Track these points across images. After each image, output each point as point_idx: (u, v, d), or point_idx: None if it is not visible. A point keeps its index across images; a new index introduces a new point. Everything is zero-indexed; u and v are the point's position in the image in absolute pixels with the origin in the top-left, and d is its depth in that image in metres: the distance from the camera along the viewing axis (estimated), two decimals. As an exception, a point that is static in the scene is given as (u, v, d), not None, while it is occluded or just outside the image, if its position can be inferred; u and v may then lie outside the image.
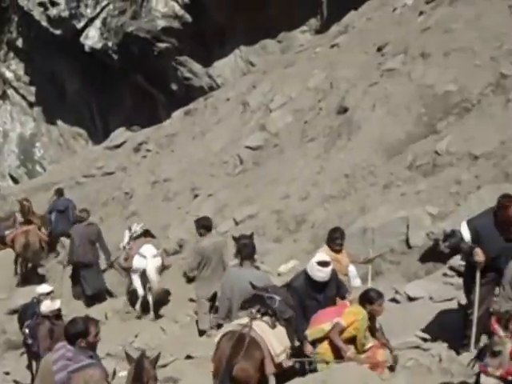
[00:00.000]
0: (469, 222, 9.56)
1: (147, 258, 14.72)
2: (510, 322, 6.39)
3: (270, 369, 9.28)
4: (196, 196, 20.66)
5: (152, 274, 14.68)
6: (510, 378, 6.49)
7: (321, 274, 9.89)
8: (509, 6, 17.58)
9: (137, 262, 14.84)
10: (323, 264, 9.96)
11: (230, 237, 13.70)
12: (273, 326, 9.47)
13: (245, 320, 9.43)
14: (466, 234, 9.44)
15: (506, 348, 6.43)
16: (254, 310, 9.54)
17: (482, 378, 6.60)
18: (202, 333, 13.41)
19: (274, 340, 9.40)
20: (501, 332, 6.42)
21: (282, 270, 14.79)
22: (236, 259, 12.26)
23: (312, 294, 9.90)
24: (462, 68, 16.90)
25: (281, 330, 9.59)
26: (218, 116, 23.95)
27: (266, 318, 9.52)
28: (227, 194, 19.55)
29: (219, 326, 11.31)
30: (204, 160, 22.00)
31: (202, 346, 12.45)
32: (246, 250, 11.51)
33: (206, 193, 20.26)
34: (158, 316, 14.92)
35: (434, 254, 12.74)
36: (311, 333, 9.49)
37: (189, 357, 12.51)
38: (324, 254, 11.05)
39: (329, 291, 10.07)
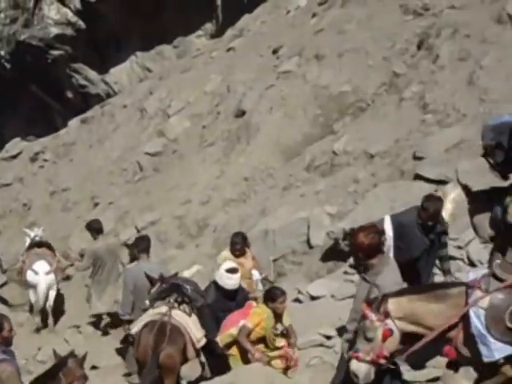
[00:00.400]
0: (393, 218, 9.60)
1: (39, 275, 14.55)
2: (381, 304, 6.48)
3: (191, 354, 9.39)
4: (96, 205, 20.41)
5: (43, 291, 14.52)
6: (381, 361, 6.56)
7: (231, 282, 9.91)
8: (400, 5, 17.91)
9: (29, 278, 14.73)
10: (232, 271, 9.99)
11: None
12: (189, 314, 9.50)
13: (163, 309, 9.42)
14: (389, 230, 9.47)
15: (378, 332, 6.50)
16: (171, 299, 9.53)
17: (353, 364, 6.63)
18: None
19: (193, 326, 9.47)
20: (373, 317, 6.49)
21: (186, 275, 14.72)
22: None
23: (224, 306, 9.89)
24: (356, 68, 17.17)
25: (195, 318, 9.63)
26: (115, 123, 23.70)
27: (183, 307, 9.52)
28: (128, 202, 19.38)
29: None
30: (103, 168, 21.76)
31: (107, 356, 12.34)
32: (141, 243, 11.52)
33: (106, 201, 20.03)
34: (59, 327, 14.73)
35: (334, 253, 12.89)
36: (221, 339, 9.51)
37: (94, 367, 12.36)
38: (226, 258, 11.11)
39: (239, 298, 10.09)
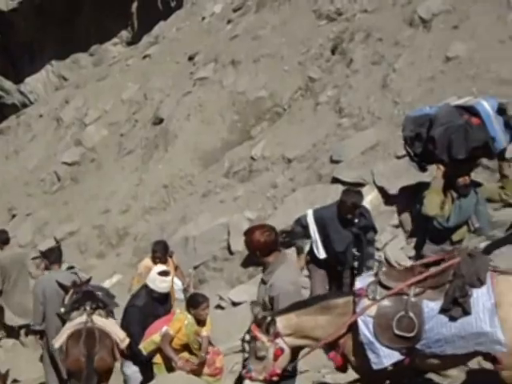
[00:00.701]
0: (315, 213, 9.63)
1: None
2: (270, 326, 6.52)
3: (117, 355, 9.39)
4: (13, 216, 20.12)
5: None
6: (274, 378, 6.62)
7: (165, 285, 9.83)
8: (313, 10, 18.05)
9: None
10: (164, 274, 9.93)
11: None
12: (106, 318, 9.52)
13: (83, 318, 9.37)
14: (312, 224, 9.50)
15: (270, 352, 6.55)
16: (87, 307, 9.47)
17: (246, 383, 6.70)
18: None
19: (114, 327, 9.50)
20: (263, 338, 6.54)
21: (107, 285, 14.61)
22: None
23: (155, 311, 9.82)
24: (272, 74, 17.27)
25: (113, 320, 9.69)
26: (31, 133, 23.39)
27: (98, 312, 9.50)
28: (46, 213, 19.15)
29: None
30: (19, 179, 21.45)
31: (27, 369, 12.19)
32: (51, 254, 11.41)
33: (23, 212, 19.76)
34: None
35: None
36: (144, 346, 9.42)
37: (15, 381, 12.18)
38: (147, 267, 11.06)
39: (169, 304, 10.06)
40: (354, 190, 10.23)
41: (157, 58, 21.88)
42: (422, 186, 9.18)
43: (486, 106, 7.81)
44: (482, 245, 9.26)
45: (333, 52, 16.72)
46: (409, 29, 15.24)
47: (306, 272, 10.15)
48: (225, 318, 11.27)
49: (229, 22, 20.33)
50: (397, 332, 6.22)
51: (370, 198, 12.28)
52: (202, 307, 9.25)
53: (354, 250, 9.58)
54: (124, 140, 19.58)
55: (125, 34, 27.97)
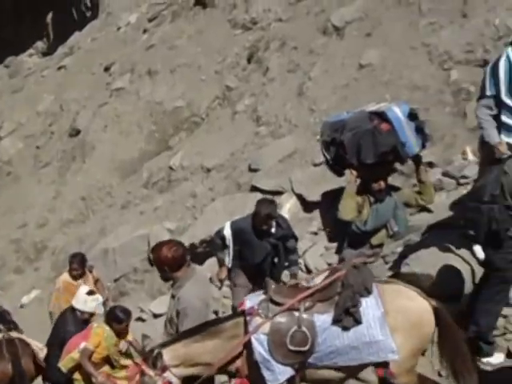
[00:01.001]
0: (232, 224, 9.60)
1: None
2: (157, 360, 6.49)
3: (42, 363, 9.25)
4: None
5: None
6: None
7: (94, 304, 9.69)
8: (228, 20, 18.10)
9: None
10: (91, 293, 9.80)
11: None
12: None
13: None
14: (229, 235, 9.46)
15: None
16: (1, 327, 9.33)
17: None
18: None
19: (30, 340, 9.34)
20: (151, 372, 6.52)
21: (25, 301, 14.39)
22: None
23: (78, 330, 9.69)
24: (189, 83, 17.25)
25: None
26: None
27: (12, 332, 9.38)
28: (-39, 228, 18.76)
29: None
30: None
31: None
32: None
33: None
34: None
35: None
36: (64, 364, 9.27)
37: None
38: (64, 281, 10.89)
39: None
40: (268, 199, 10.18)
41: (72, 68, 21.67)
42: (343, 191, 9.28)
43: (397, 112, 7.88)
44: (399, 249, 9.39)
45: (249, 61, 16.79)
46: (323, 37, 15.39)
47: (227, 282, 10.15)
48: (146, 330, 11.15)
49: (144, 31, 20.26)
50: (291, 347, 6.25)
51: (289, 206, 12.34)
52: (126, 324, 9.17)
53: (275, 260, 9.58)
54: (40, 152, 19.33)
55: (40, 44, 27.67)
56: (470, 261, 8.19)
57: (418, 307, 6.32)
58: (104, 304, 11.50)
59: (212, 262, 11.70)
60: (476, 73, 12.49)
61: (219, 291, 10.61)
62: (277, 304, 6.39)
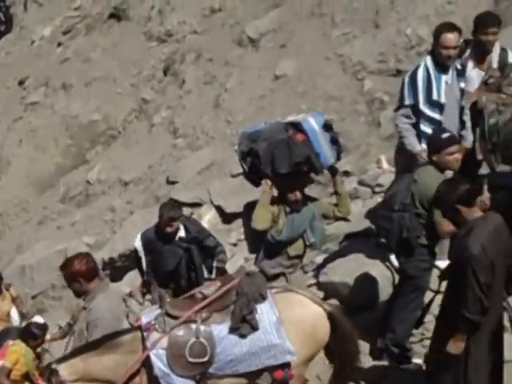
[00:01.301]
0: (142, 235, 9.53)
1: None
2: (52, 376, 6.45)
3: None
4: None
5: None
6: None
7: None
8: (143, 32, 18.05)
9: None
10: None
11: None
12: None
13: None
14: (139, 247, 9.39)
15: None
16: None
17: None
18: None
19: None
20: None
21: None
22: None
23: None
24: (105, 96, 17.14)
25: None
26: None
27: None
28: None
29: None
30: None
31: None
32: None
33: None
34: None
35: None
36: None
37: None
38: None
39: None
40: (171, 203, 10.16)
41: (-16, 82, 21.29)
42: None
43: (312, 123, 7.94)
44: (318, 258, 9.47)
45: (165, 73, 16.79)
46: (238, 48, 15.48)
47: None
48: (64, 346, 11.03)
49: (59, 45, 20.03)
50: (190, 359, 6.27)
51: (208, 218, 12.36)
52: (40, 340, 9.07)
53: (190, 264, 9.53)
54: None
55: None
56: (390, 268, 8.35)
57: (311, 315, 6.46)
58: (24, 316, 11.37)
59: (132, 275, 11.63)
60: (389, 82, 12.75)
61: (139, 306, 10.55)
62: (173, 317, 6.40)
